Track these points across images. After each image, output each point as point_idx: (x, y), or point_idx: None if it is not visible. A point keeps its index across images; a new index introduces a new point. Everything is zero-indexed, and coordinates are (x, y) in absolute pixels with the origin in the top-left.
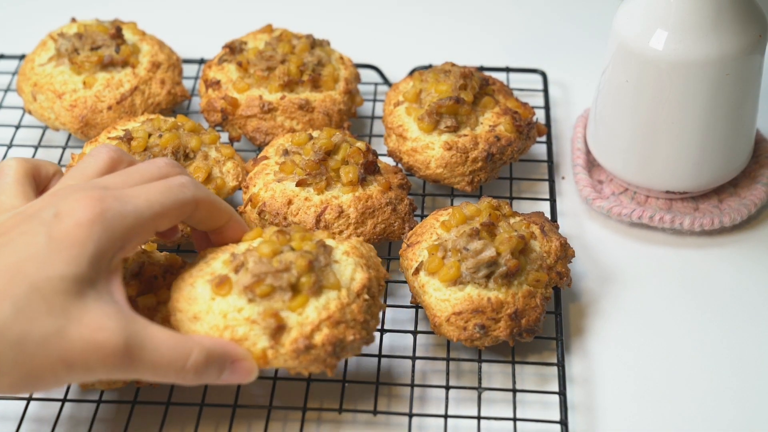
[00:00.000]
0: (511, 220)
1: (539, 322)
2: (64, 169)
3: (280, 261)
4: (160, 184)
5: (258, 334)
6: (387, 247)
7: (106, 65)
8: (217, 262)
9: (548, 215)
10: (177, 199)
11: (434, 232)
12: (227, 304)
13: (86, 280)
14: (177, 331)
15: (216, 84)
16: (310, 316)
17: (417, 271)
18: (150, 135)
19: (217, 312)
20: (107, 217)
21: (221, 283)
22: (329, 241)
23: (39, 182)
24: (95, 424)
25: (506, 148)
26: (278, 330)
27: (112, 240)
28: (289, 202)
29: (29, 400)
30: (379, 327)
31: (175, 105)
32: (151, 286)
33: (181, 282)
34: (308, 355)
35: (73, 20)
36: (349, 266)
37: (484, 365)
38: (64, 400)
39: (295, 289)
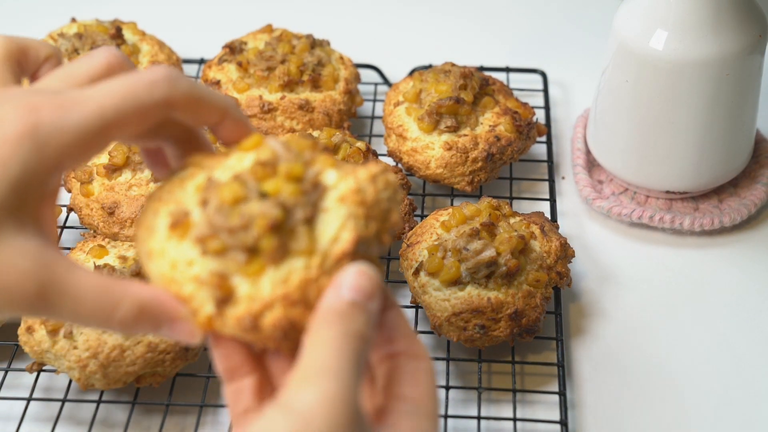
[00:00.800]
0: (511, 220)
1: (539, 322)
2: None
3: (242, 215)
4: (122, 82)
5: (205, 298)
6: (387, 247)
7: None
8: (192, 185)
9: (548, 215)
10: (141, 101)
11: (434, 232)
12: (179, 251)
13: (6, 208)
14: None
15: (216, 84)
16: (263, 290)
17: (417, 271)
18: None
19: (168, 259)
20: (41, 133)
21: (176, 225)
22: (329, 175)
23: (26, 66)
24: (95, 424)
25: (506, 148)
26: (224, 300)
27: (45, 160)
28: None
29: (29, 400)
30: None
31: None
32: None
33: (149, 201)
34: (256, 334)
35: (73, 20)
36: (338, 220)
37: (484, 365)
38: (64, 400)
39: (253, 251)
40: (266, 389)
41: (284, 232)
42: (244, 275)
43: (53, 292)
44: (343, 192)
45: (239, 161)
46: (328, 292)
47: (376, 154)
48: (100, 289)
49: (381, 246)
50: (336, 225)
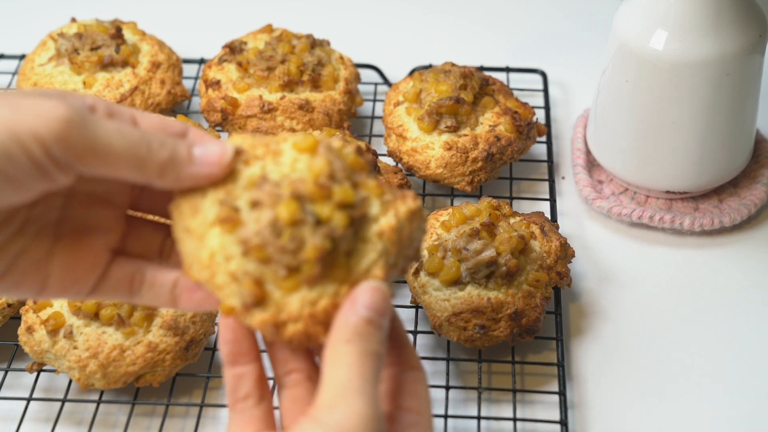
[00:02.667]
0: (511, 220)
1: (539, 322)
2: None
3: (293, 238)
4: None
5: (234, 292)
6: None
7: (106, 65)
8: (245, 176)
9: (548, 215)
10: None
11: (434, 232)
12: (220, 243)
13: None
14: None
15: (216, 84)
16: (292, 304)
17: (417, 271)
18: None
19: (207, 247)
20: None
21: (226, 221)
22: (374, 207)
23: None
24: (95, 424)
25: (506, 148)
26: (254, 304)
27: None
28: None
29: (29, 400)
30: None
31: (175, 105)
32: None
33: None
34: (272, 336)
35: (73, 20)
36: (373, 254)
37: (484, 365)
38: (64, 400)
39: (293, 270)
40: (265, 379)
41: (327, 261)
42: (278, 287)
43: (84, 123)
44: (383, 227)
45: (293, 163)
46: (345, 307)
47: (376, 154)
48: (133, 130)
49: (401, 275)
50: (370, 259)
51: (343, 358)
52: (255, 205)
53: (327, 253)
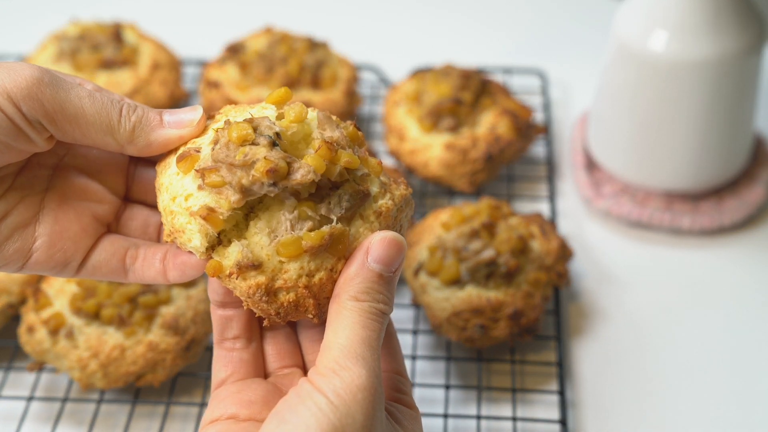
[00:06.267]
0: (511, 220)
1: (539, 321)
2: None
3: (246, 154)
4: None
5: (193, 231)
6: None
7: (107, 65)
8: (212, 125)
9: (547, 215)
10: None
11: (434, 232)
12: (181, 185)
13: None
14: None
15: (217, 85)
16: (289, 272)
17: (417, 271)
18: None
19: (170, 193)
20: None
21: (182, 158)
22: (374, 186)
23: None
24: (95, 424)
25: (506, 148)
26: (251, 266)
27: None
28: None
29: (30, 399)
30: None
31: (176, 105)
32: (151, 285)
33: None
34: (258, 302)
35: (74, 21)
36: (369, 233)
37: (484, 364)
38: (64, 400)
39: (245, 193)
40: (255, 323)
41: (335, 235)
42: (280, 254)
43: (54, 83)
44: (381, 207)
45: (263, 108)
46: (357, 257)
47: (373, 154)
48: (105, 95)
49: None
50: (366, 237)
51: (347, 319)
52: (214, 141)
53: (279, 172)
